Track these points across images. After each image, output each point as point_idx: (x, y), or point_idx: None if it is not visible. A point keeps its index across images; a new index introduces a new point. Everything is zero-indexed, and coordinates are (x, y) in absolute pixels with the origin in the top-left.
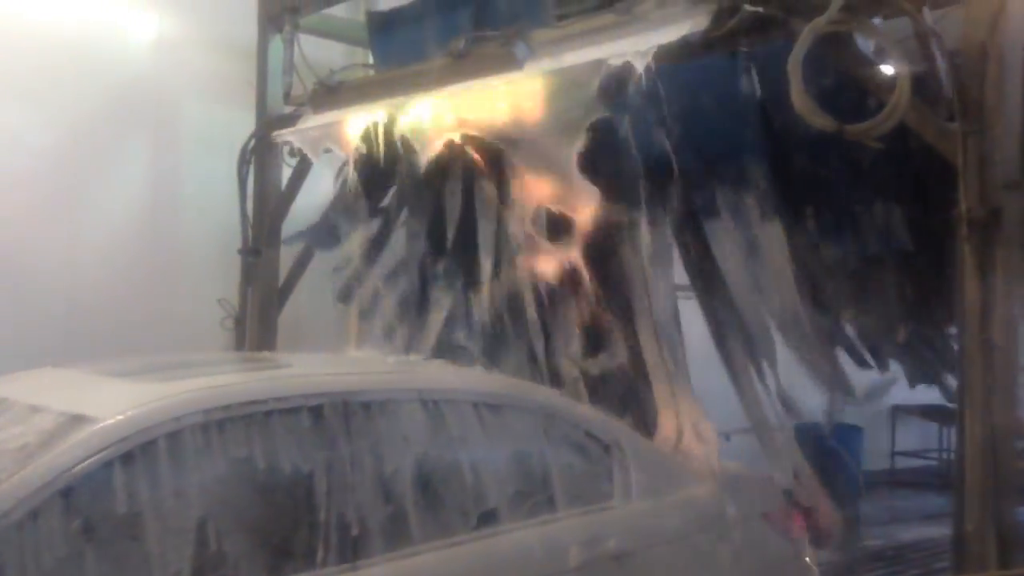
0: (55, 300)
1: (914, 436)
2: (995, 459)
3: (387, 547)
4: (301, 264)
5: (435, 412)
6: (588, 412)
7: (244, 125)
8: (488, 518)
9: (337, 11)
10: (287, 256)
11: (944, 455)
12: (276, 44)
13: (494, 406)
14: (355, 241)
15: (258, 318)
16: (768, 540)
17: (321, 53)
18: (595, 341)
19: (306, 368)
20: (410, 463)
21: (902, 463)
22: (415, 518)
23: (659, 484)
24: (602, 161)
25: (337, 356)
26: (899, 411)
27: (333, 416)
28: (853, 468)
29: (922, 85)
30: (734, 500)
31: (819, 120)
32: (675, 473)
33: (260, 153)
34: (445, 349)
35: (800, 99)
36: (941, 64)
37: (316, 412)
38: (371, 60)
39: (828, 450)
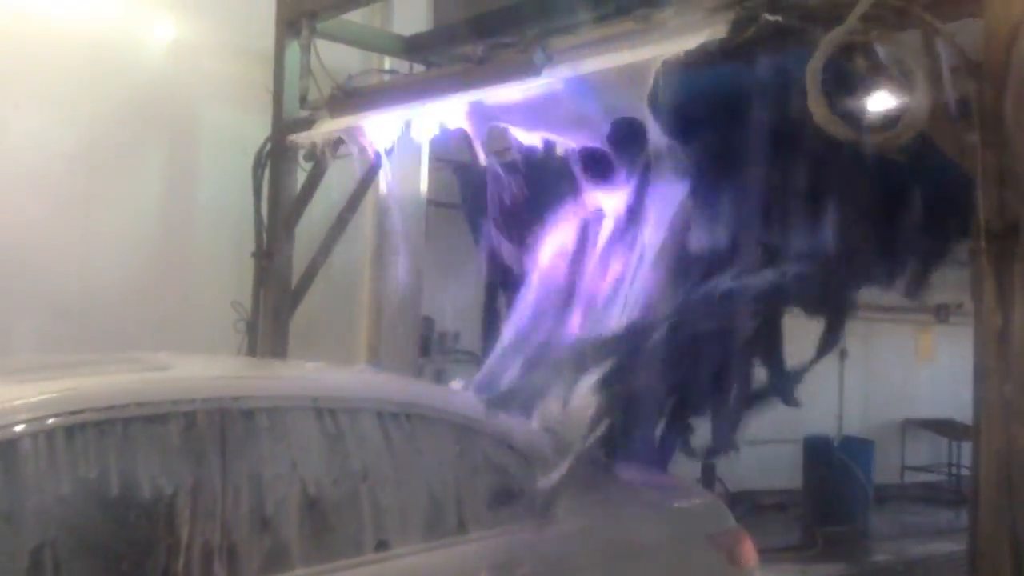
0: (70, 300)
1: (924, 450)
2: (1011, 473)
3: (263, 572)
4: (314, 267)
5: (332, 422)
6: (512, 423)
7: (260, 129)
8: (388, 540)
9: (354, 16)
10: (300, 259)
11: (953, 470)
12: (293, 49)
13: (403, 415)
14: None
15: (271, 321)
16: (712, 565)
17: (337, 58)
18: None
19: (186, 371)
20: (298, 478)
21: (911, 477)
22: (299, 540)
23: (589, 502)
24: None
25: (234, 359)
26: (909, 425)
27: (208, 425)
28: (863, 481)
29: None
30: (676, 520)
31: (837, 129)
32: (610, 490)
33: (275, 157)
34: None
35: (818, 108)
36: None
37: (188, 420)
38: (387, 66)
39: (838, 463)
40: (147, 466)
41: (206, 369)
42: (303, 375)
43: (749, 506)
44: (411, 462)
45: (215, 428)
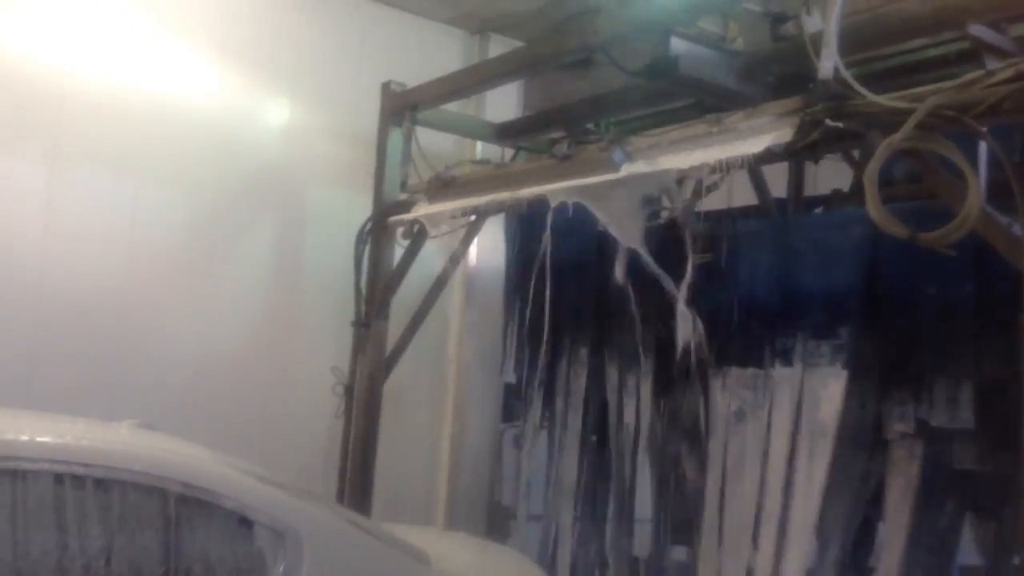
0: (184, 360)
1: None
2: None
3: None
4: (407, 336)
5: None
6: (258, 490)
7: (362, 208)
8: None
9: (450, 105)
10: (395, 328)
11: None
12: (395, 136)
13: (91, 479)
14: None
15: (366, 385)
16: None
17: (434, 141)
18: None
19: None
20: None
21: None
22: None
23: None
24: None
25: None
26: None
27: None
28: None
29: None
30: None
31: (894, 228)
32: (393, 571)
33: (376, 235)
34: None
35: (876, 209)
36: None
37: None
38: (479, 148)
39: None
40: None
41: None
42: None
43: None
44: (93, 535)
45: None
